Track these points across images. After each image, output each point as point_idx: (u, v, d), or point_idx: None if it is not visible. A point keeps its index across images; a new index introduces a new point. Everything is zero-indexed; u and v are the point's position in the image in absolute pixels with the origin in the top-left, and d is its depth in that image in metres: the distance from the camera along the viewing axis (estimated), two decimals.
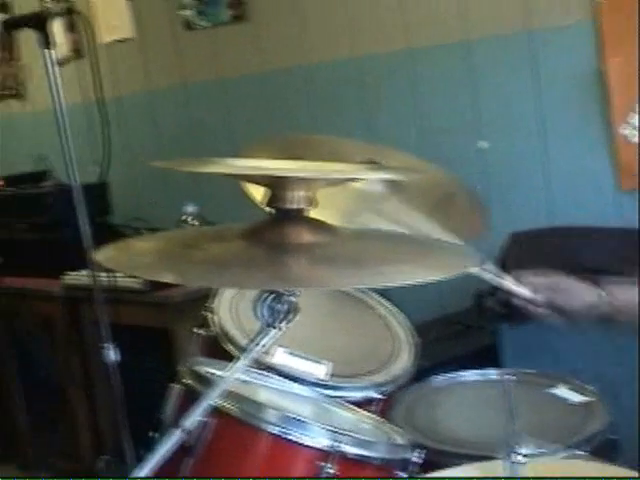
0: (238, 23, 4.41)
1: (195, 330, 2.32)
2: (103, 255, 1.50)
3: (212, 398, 1.54)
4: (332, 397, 2.13)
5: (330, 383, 2.15)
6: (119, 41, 4.81)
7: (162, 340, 3.99)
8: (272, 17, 4.29)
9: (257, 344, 1.53)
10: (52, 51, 2.83)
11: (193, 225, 4.13)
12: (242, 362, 1.54)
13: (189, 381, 1.85)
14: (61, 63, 5.20)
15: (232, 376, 1.54)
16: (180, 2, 4.59)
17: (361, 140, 2.79)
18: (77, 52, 5.02)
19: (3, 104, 5.77)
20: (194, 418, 1.54)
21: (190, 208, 4.17)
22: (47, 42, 2.81)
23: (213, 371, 1.91)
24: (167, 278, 1.42)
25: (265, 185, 1.49)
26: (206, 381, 1.79)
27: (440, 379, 2.45)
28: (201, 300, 3.61)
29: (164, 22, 4.74)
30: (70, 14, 2.95)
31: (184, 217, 4.17)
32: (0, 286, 4.49)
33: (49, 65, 2.83)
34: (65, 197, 4.55)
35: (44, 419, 4.83)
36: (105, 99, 4.61)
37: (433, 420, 2.24)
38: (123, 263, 1.50)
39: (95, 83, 2.96)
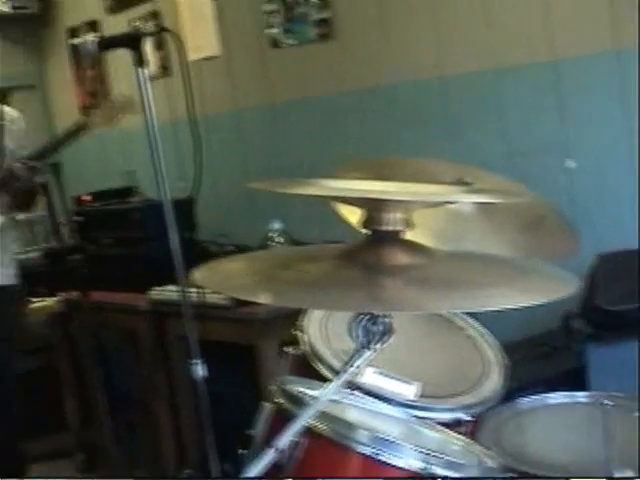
0: (324, 41, 4.43)
1: (285, 348, 2.33)
2: (199, 274, 1.52)
3: (306, 419, 1.54)
4: (421, 418, 2.12)
5: (419, 404, 2.15)
6: (206, 59, 4.86)
7: (247, 356, 4.02)
8: (358, 36, 4.29)
9: (352, 365, 1.53)
10: (145, 70, 2.87)
11: (279, 242, 4.17)
12: (336, 383, 1.54)
13: (281, 400, 1.86)
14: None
15: (326, 397, 1.55)
16: (267, 21, 4.63)
17: (448, 160, 2.78)
18: (164, 70, 5.09)
19: None
20: (287, 438, 1.55)
21: (276, 225, 4.20)
22: (141, 61, 2.86)
23: (304, 390, 1.92)
24: (263, 299, 1.43)
25: (361, 207, 1.50)
26: (298, 401, 1.80)
27: (526, 401, 2.43)
28: (286, 317, 3.65)
29: (251, 40, 4.77)
30: (162, 33, 2.98)
31: (270, 234, 4.21)
32: (87, 300, 4.55)
33: (142, 83, 2.88)
34: (152, 213, 4.63)
35: (128, 431, 4.88)
36: (188, 115, 4.69)
37: (520, 443, 2.22)
38: (219, 283, 1.52)
39: (187, 100, 2.99)
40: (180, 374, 4.35)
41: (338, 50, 4.39)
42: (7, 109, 4.24)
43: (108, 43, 3.00)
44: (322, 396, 1.55)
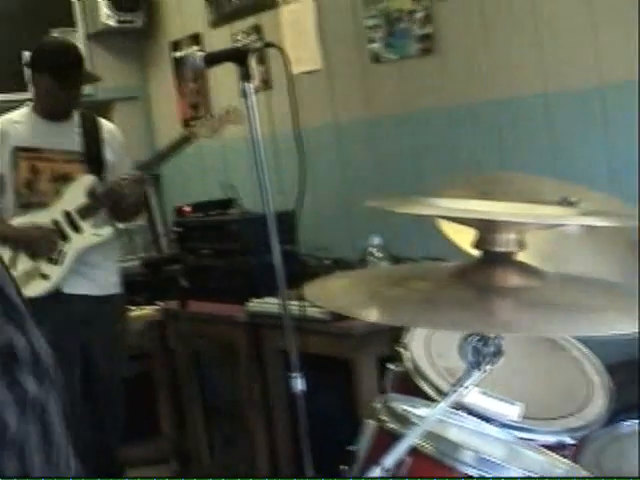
0: (426, 56, 4.41)
1: (387, 365, 2.32)
2: (308, 290, 1.52)
3: (414, 438, 1.54)
4: (524, 439, 2.10)
5: (523, 425, 2.13)
6: (306, 72, 4.88)
7: (343, 370, 4.03)
8: (461, 51, 4.27)
9: (461, 386, 1.52)
10: (251, 84, 2.90)
11: (378, 257, 4.17)
12: (444, 403, 1.53)
13: (385, 418, 1.86)
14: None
15: (434, 417, 1.54)
16: (369, 35, 4.63)
17: (551, 178, 2.75)
18: (265, 83, 5.13)
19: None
20: (394, 457, 1.55)
21: (375, 240, 4.20)
22: (247, 75, 2.89)
23: (408, 409, 1.91)
24: (375, 317, 1.43)
25: (474, 227, 1.49)
26: (403, 419, 1.79)
27: (628, 425, 2.39)
28: (382, 332, 3.64)
29: (352, 54, 4.78)
30: (267, 48, 3.02)
31: (369, 249, 4.21)
32: (185, 310, 4.61)
33: (249, 97, 2.91)
34: (251, 225, 4.68)
35: (222, 442, 4.93)
36: (293, 129, 4.72)
37: (621, 467, 2.18)
38: (328, 300, 1.52)
39: (293, 115, 3.02)
40: (276, 386, 4.38)
41: (439, 65, 4.37)
42: (105, 123, 4.32)
43: (215, 58, 3.04)
44: (430, 416, 1.54)
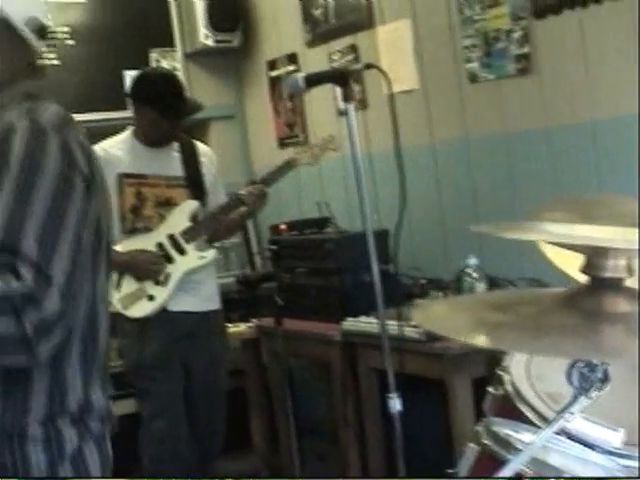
0: (524, 76, 4.38)
1: (487, 388, 2.31)
2: (415, 314, 1.53)
3: (519, 464, 1.53)
4: (627, 467, 2.07)
5: (625, 452, 2.10)
6: (403, 92, 4.88)
7: (438, 391, 4.02)
8: (559, 71, 4.24)
9: (568, 412, 1.51)
10: (352, 105, 2.92)
11: (474, 278, 4.15)
12: (550, 429, 1.52)
13: (487, 442, 1.85)
14: (342, 114, 5.37)
15: (540, 443, 1.53)
16: (466, 55, 4.62)
17: None
18: (361, 103, 5.14)
19: (289, 151, 5.98)
20: None
21: (471, 261, 4.19)
22: (349, 96, 2.92)
23: (511, 433, 1.90)
24: (480, 342, 1.43)
25: (582, 252, 1.48)
26: (506, 444, 1.78)
27: None
28: (478, 353, 3.63)
29: (449, 74, 4.78)
30: (369, 69, 3.04)
31: (465, 269, 4.20)
32: (279, 327, 4.63)
33: (351, 117, 2.94)
34: (347, 244, 4.70)
35: (315, 459, 4.94)
36: (389, 149, 4.72)
37: None
38: (436, 324, 1.52)
39: (395, 135, 3.04)
40: (370, 405, 4.39)
41: (537, 85, 4.34)
42: (202, 146, 4.39)
43: (316, 79, 3.07)
44: (536, 442, 1.53)
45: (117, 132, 4.29)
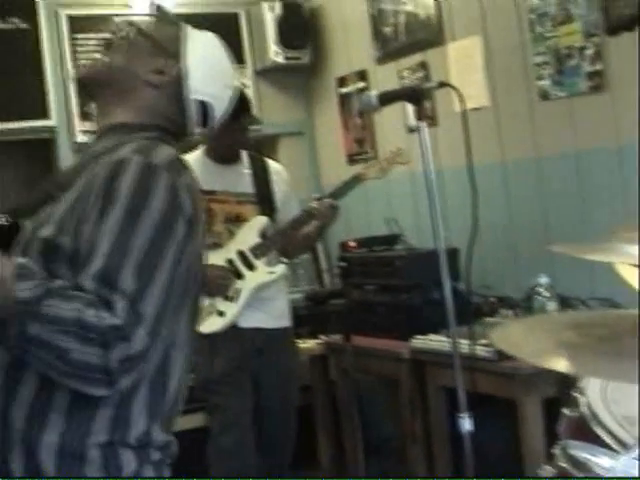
0: (596, 93, 4.35)
1: (563, 410, 2.29)
2: (493, 335, 1.52)
3: None
4: None
5: None
6: (473, 109, 4.87)
7: (508, 410, 3.99)
8: (632, 88, 4.19)
9: None
10: (424, 122, 2.93)
11: (545, 297, 4.12)
12: (632, 454, 1.51)
13: (565, 465, 1.84)
14: (412, 131, 5.37)
15: (621, 467, 1.52)
16: (538, 72, 4.60)
17: None
18: (431, 120, 5.14)
19: (358, 168, 5.98)
20: None
21: (542, 279, 4.16)
22: (422, 114, 2.92)
23: (589, 457, 1.88)
24: (561, 367, 1.42)
25: None
26: (585, 469, 1.77)
27: None
28: (550, 373, 3.59)
29: (520, 91, 4.75)
30: (443, 88, 3.04)
31: (536, 288, 4.17)
32: (348, 344, 4.64)
33: (423, 135, 2.94)
34: (417, 261, 4.70)
35: (381, 476, 4.92)
36: (458, 166, 4.70)
37: None
38: (514, 346, 1.52)
39: (467, 152, 3.03)
40: (438, 424, 4.37)
41: (610, 103, 4.30)
42: (272, 163, 4.41)
43: (389, 97, 3.07)
44: (617, 466, 1.52)
45: (192, 148, 4.31)
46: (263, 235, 4.18)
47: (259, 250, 4.14)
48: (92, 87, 2.08)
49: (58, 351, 1.67)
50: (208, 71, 2.11)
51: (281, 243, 4.20)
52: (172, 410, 1.94)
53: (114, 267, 1.73)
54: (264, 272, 4.16)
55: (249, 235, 4.17)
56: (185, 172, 1.93)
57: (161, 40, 2.09)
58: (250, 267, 4.14)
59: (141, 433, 1.87)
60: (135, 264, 1.74)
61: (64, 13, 5.74)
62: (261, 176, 4.28)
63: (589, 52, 4.35)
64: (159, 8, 2.18)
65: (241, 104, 4.13)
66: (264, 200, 4.23)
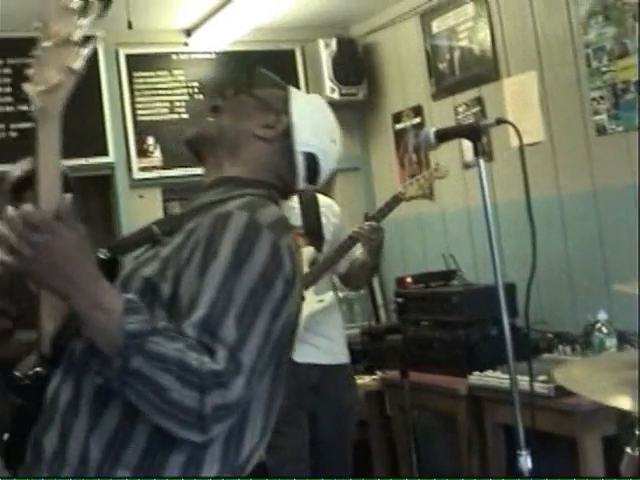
0: None
1: (625, 449, 2.27)
2: (558, 374, 1.52)
3: None
4: None
5: None
6: (529, 145, 4.86)
7: (567, 448, 3.95)
8: None
9: None
10: (483, 159, 2.93)
11: (604, 333, 4.09)
12: None
13: None
14: (468, 167, 5.38)
15: None
16: (594, 107, 4.59)
17: None
18: (487, 155, 5.13)
19: (414, 204, 6.00)
20: None
21: (601, 315, 4.12)
22: (481, 151, 2.93)
23: None
24: (627, 405, 1.41)
25: None
26: None
27: None
28: (610, 410, 3.55)
29: (576, 126, 4.74)
30: (500, 124, 3.05)
31: (595, 324, 4.14)
32: (404, 380, 4.63)
33: (481, 171, 2.94)
34: (474, 297, 4.68)
35: None
36: (513, 201, 4.70)
37: None
38: (579, 385, 1.51)
39: (526, 187, 3.03)
40: (496, 461, 4.34)
41: None
42: (322, 198, 4.42)
43: (447, 134, 3.08)
44: None
45: None
46: (311, 265, 4.19)
47: (307, 280, 4.14)
48: (202, 146, 2.16)
49: (157, 388, 1.70)
50: (314, 125, 2.18)
51: (328, 271, 4.20)
52: (243, 468, 1.94)
53: (216, 317, 1.76)
54: (313, 301, 4.16)
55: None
56: (288, 233, 1.95)
57: (268, 98, 2.18)
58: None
59: None
60: (236, 315, 1.77)
61: (123, 52, 5.84)
62: (310, 209, 4.30)
63: None
64: (260, 71, 2.25)
65: None
66: (312, 231, 4.25)
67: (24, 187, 3.60)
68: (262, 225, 1.86)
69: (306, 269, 4.16)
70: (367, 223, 4.16)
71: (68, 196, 1.72)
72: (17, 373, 1.94)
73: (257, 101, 2.17)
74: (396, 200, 4.28)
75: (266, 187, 2.09)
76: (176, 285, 1.85)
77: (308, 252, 4.20)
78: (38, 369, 1.95)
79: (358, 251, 4.26)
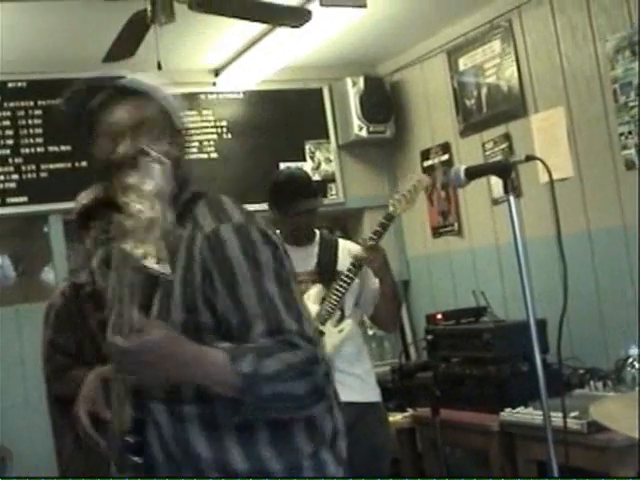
0: None
1: None
2: (594, 411, 1.52)
3: None
4: None
5: None
6: (559, 180, 4.86)
7: None
8: None
9: None
10: (512, 196, 2.94)
11: (636, 368, 4.06)
12: None
13: None
14: (497, 203, 5.39)
15: None
16: (623, 142, 4.59)
17: None
18: (516, 191, 5.14)
19: (443, 240, 6.02)
20: None
21: (633, 350, 4.11)
22: (510, 188, 2.94)
23: None
24: None
25: None
26: None
27: None
28: None
29: (605, 161, 4.75)
30: (529, 161, 3.05)
31: (626, 359, 4.12)
32: (436, 417, 4.61)
33: (512, 208, 2.96)
34: (505, 333, 4.68)
35: None
36: (542, 237, 4.70)
37: None
38: (615, 421, 1.51)
39: (556, 223, 3.05)
40: None
41: None
42: (344, 242, 4.41)
43: (477, 172, 3.09)
44: None
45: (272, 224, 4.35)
46: (321, 302, 4.17)
47: (322, 315, 4.14)
48: None
49: (287, 396, 2.03)
50: None
51: (340, 302, 4.18)
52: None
53: (273, 317, 2.06)
54: (334, 333, 4.14)
55: (309, 306, 4.15)
56: (250, 214, 2.21)
57: None
58: (320, 334, 4.12)
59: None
60: (282, 304, 2.08)
61: None
62: (327, 251, 4.28)
63: None
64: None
65: (291, 191, 4.20)
66: (325, 270, 4.23)
67: (90, 215, 3.65)
68: (243, 225, 2.13)
69: (316, 307, 4.15)
70: (364, 245, 4.16)
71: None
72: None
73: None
74: (389, 218, 4.26)
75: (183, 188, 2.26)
76: (213, 311, 2.08)
77: (315, 290, 4.19)
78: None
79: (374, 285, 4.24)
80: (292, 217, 4.16)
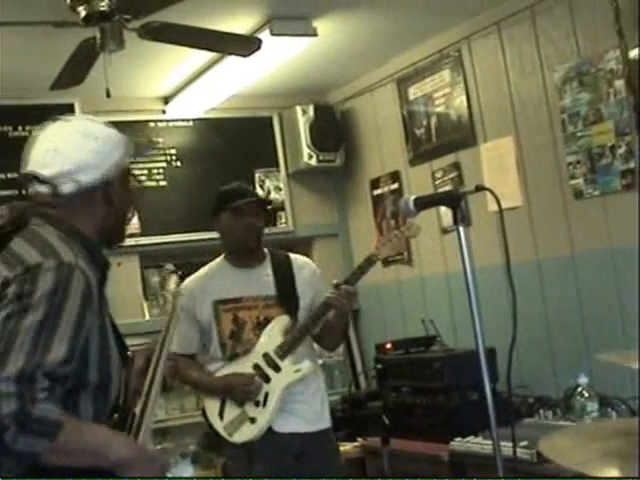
0: (629, 192, 4.37)
1: None
2: (543, 445, 1.51)
3: None
4: None
5: None
6: (508, 209, 4.88)
7: None
8: None
9: None
10: (461, 226, 2.94)
11: (584, 397, 4.08)
12: None
13: None
14: (446, 232, 5.39)
15: None
16: (571, 171, 4.63)
17: None
18: (466, 220, 5.14)
19: (392, 269, 6.01)
20: None
21: (582, 379, 4.12)
22: (460, 218, 2.95)
23: None
24: (611, 475, 1.40)
25: None
26: None
27: None
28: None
29: (553, 191, 4.78)
30: (479, 192, 3.06)
31: (575, 388, 4.13)
32: (387, 448, 4.58)
33: (462, 238, 2.96)
34: (454, 362, 4.67)
35: None
36: (490, 266, 4.70)
37: None
38: (563, 456, 1.50)
39: (506, 253, 3.07)
40: None
41: None
42: (295, 258, 4.33)
43: (426, 202, 3.09)
44: None
45: (220, 252, 4.29)
46: (286, 334, 4.12)
47: (283, 350, 4.08)
48: None
49: None
50: None
51: (303, 339, 4.12)
52: None
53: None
54: (290, 372, 4.09)
55: (272, 337, 4.11)
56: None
57: None
58: (276, 369, 4.07)
59: None
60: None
61: (101, 120, 5.83)
62: (283, 276, 4.22)
63: (621, 151, 4.38)
64: None
65: (246, 195, 4.16)
66: (287, 299, 4.18)
67: None
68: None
69: (281, 339, 4.09)
70: (343, 288, 4.07)
71: None
72: None
73: None
74: (369, 262, 4.16)
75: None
76: None
77: (281, 321, 4.13)
78: None
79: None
80: (242, 215, 4.07)
